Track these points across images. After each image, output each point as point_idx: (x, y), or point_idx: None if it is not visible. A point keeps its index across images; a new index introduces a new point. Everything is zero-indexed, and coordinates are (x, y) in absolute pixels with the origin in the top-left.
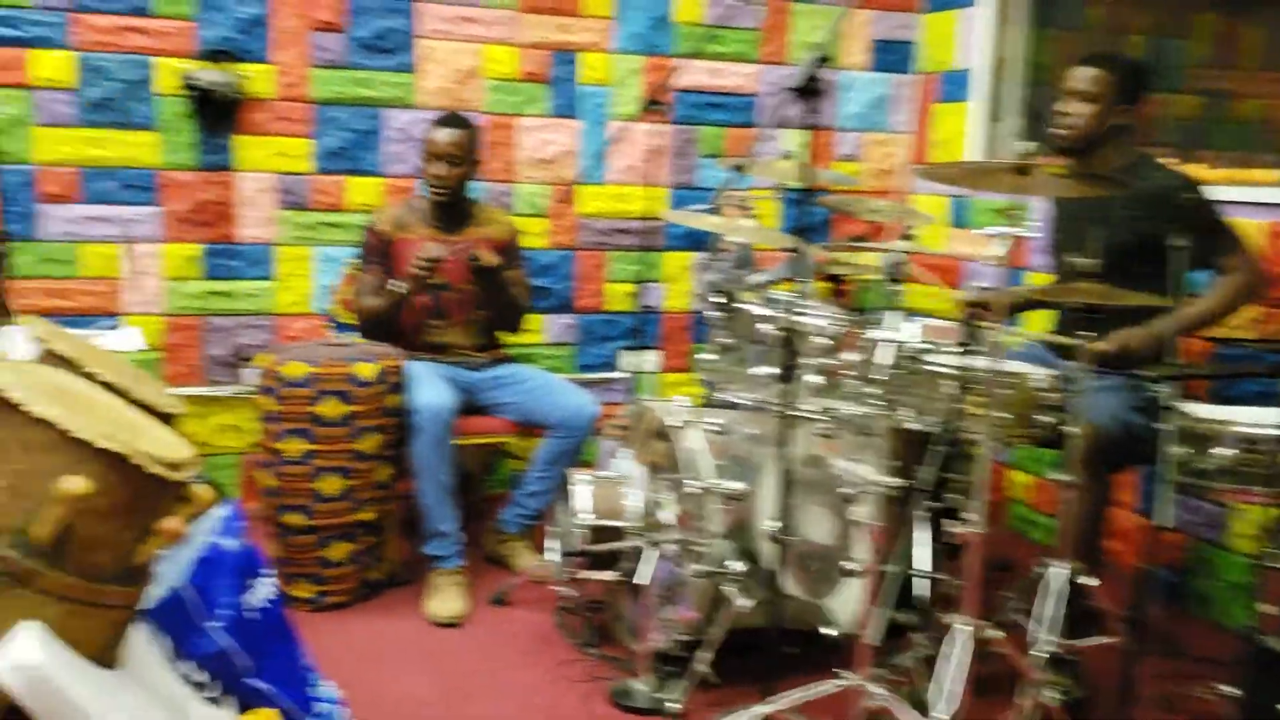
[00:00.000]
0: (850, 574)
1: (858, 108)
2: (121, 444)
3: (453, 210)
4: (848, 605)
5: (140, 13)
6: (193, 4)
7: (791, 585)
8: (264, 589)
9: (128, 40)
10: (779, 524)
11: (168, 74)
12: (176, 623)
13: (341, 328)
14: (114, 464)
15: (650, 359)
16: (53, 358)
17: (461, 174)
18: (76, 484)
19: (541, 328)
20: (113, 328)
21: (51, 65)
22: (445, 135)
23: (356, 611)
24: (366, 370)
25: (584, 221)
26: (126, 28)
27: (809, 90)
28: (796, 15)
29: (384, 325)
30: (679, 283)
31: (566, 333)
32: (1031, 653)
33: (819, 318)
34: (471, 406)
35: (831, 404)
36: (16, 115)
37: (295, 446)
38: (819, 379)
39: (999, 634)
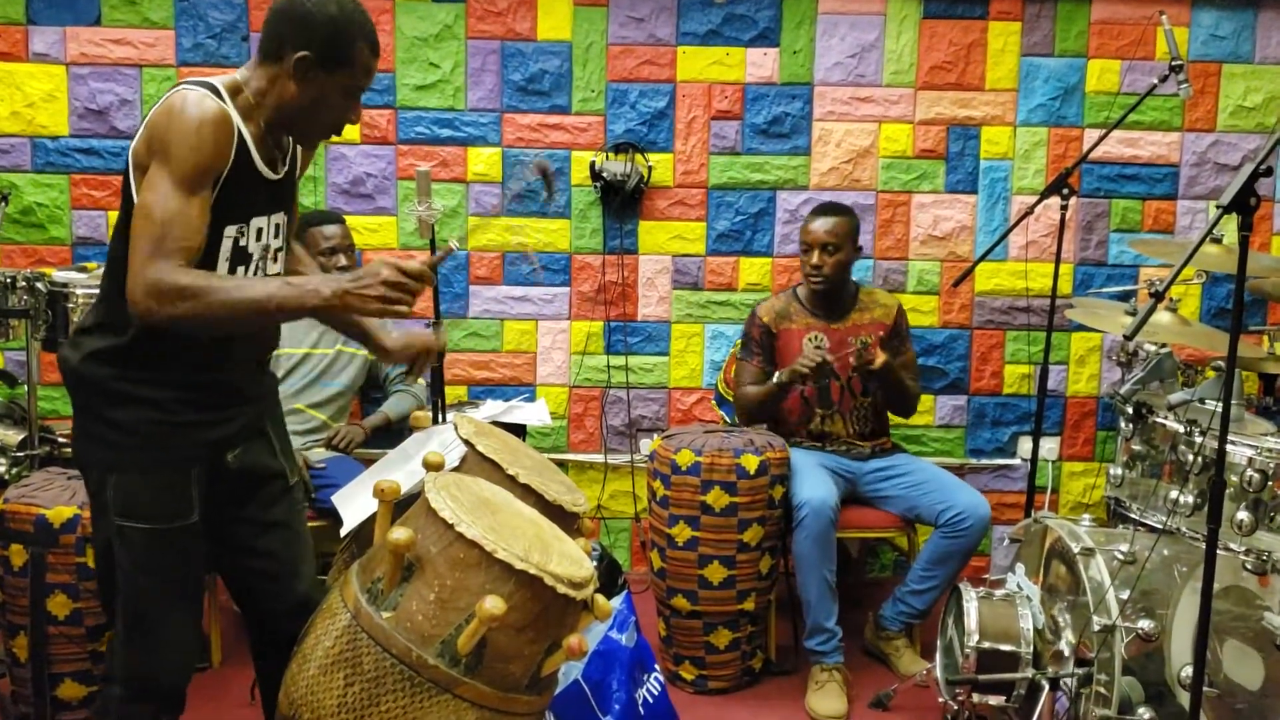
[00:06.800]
0: None
1: None
2: (536, 566)
3: (834, 297)
4: None
5: (560, 110)
6: (604, 100)
7: None
8: (653, 684)
9: (548, 137)
10: (1193, 670)
11: (580, 166)
12: (576, 713)
13: (725, 404)
14: (528, 583)
15: (1049, 446)
16: (477, 457)
17: (839, 261)
18: (496, 605)
19: (931, 409)
20: (529, 399)
21: (484, 161)
22: (821, 224)
23: (737, 699)
24: (751, 462)
25: (981, 299)
26: (547, 125)
27: (1243, 207)
28: (1228, 78)
29: (764, 413)
30: (1086, 365)
31: (956, 415)
32: None
33: (1249, 446)
34: (854, 497)
35: (1260, 544)
36: (455, 207)
37: (683, 532)
38: (1246, 515)
39: None
